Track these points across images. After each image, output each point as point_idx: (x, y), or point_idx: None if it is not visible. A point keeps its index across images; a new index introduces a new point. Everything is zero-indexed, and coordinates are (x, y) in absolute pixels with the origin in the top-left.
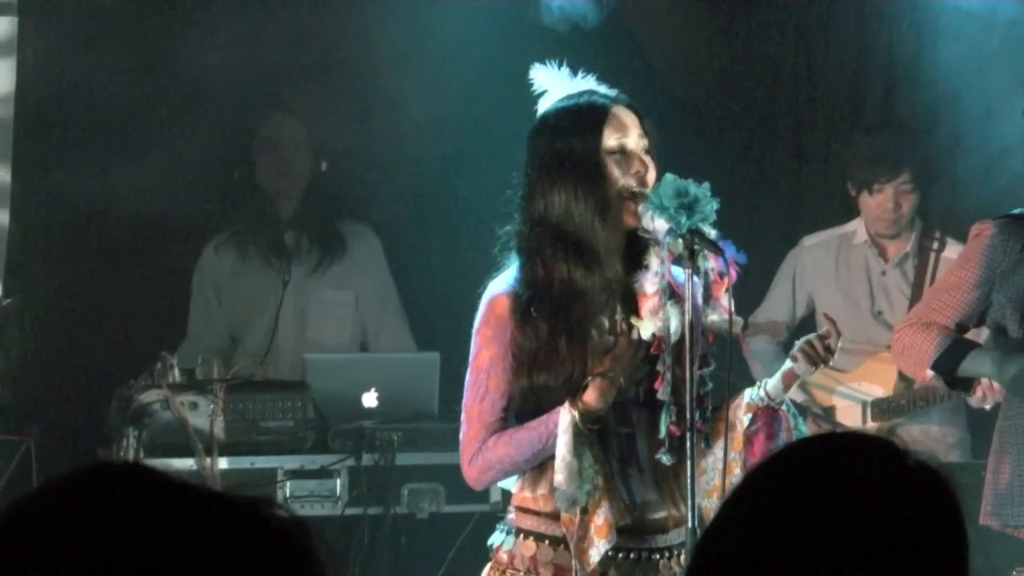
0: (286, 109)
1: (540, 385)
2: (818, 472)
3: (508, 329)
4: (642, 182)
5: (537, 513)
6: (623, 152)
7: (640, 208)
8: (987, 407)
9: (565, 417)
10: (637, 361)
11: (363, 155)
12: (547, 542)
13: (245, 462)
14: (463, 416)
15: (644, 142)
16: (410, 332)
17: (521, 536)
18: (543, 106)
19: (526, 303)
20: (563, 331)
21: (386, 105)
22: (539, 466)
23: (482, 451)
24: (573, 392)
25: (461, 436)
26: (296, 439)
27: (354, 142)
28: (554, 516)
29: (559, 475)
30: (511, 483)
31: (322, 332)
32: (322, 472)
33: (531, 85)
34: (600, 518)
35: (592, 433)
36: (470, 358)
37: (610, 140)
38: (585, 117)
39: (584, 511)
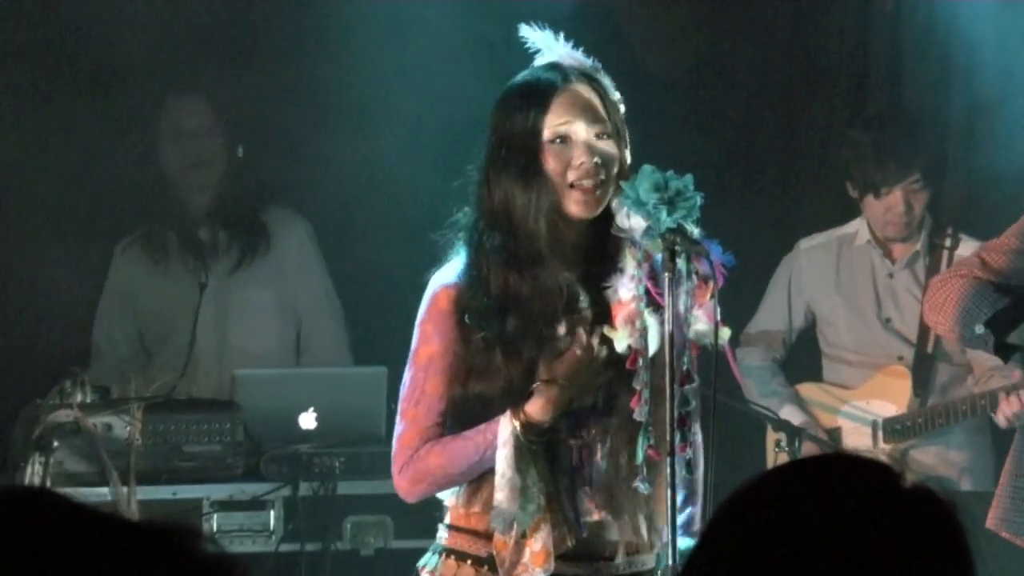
0: (195, 89)
1: (476, 394)
2: (807, 498)
3: (451, 325)
4: (588, 175)
5: (470, 532)
6: (564, 142)
7: (614, 203)
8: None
9: (505, 428)
10: (594, 367)
11: (287, 138)
12: (470, 562)
13: (166, 492)
14: (397, 418)
15: (596, 128)
16: (347, 337)
17: (448, 557)
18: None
19: (470, 299)
20: (497, 342)
21: (317, 85)
22: (477, 480)
23: (414, 460)
24: (517, 401)
25: (393, 441)
26: (224, 465)
27: (276, 124)
28: (488, 537)
29: (499, 492)
30: (448, 495)
31: (247, 339)
32: (254, 503)
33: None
34: (538, 543)
35: (537, 446)
36: (410, 354)
37: (551, 127)
38: (528, 98)
39: (522, 534)
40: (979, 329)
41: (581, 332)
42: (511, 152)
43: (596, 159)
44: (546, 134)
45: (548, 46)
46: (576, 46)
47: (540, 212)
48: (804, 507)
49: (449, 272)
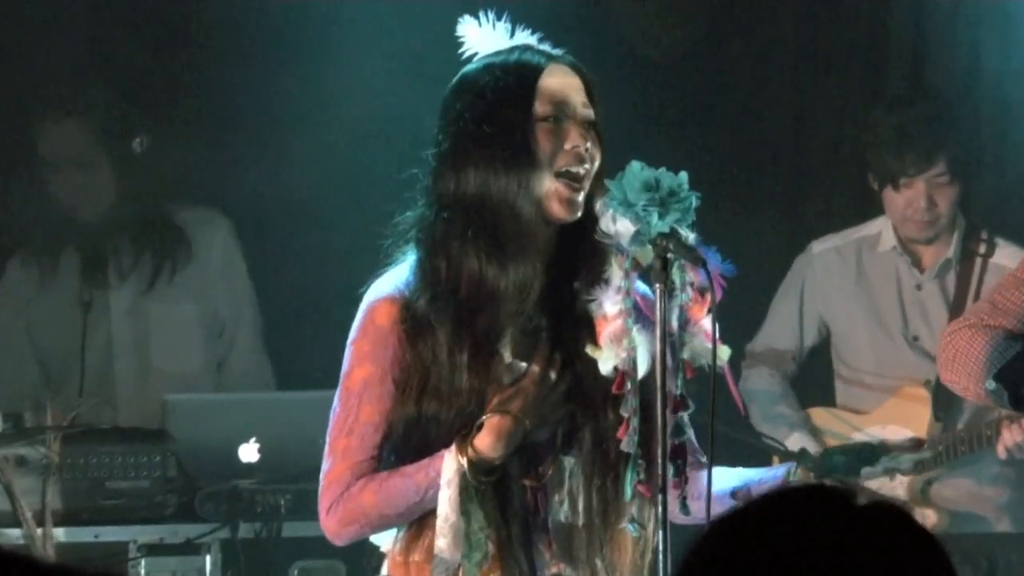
0: (68, 115)
1: (429, 416)
2: (762, 536)
3: (390, 344)
4: (579, 160)
5: None
6: (557, 121)
7: (598, 205)
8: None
9: (450, 465)
10: (553, 396)
11: (202, 135)
12: None
13: (88, 534)
14: (325, 450)
15: (588, 112)
16: (267, 358)
17: None
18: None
19: (423, 309)
20: (467, 345)
21: (236, 78)
22: (418, 522)
23: (345, 498)
24: (466, 432)
25: (321, 475)
26: (153, 504)
27: (189, 118)
28: None
29: (441, 539)
30: (384, 540)
31: (170, 360)
32: (188, 546)
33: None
34: None
35: (486, 486)
36: (341, 377)
37: (543, 105)
38: (514, 74)
39: None
40: (990, 384)
41: (539, 356)
42: (492, 132)
43: (589, 144)
44: (539, 111)
45: (491, 46)
46: (556, 26)
47: (526, 198)
48: (771, 544)
49: (387, 283)
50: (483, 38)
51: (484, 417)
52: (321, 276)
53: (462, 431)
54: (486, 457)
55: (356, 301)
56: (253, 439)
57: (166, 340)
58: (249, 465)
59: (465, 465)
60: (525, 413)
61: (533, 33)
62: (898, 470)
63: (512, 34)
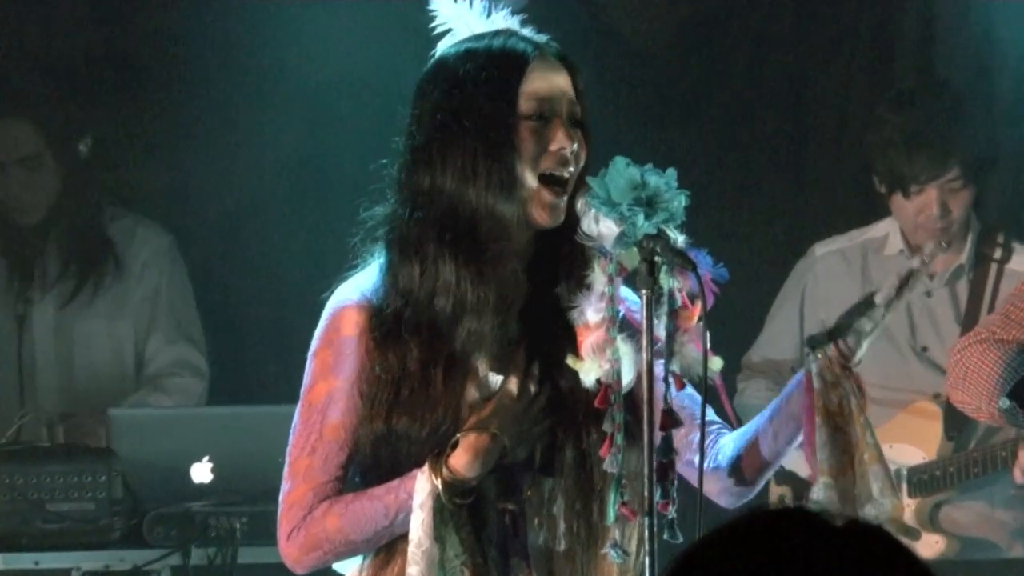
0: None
1: (400, 433)
2: (738, 559)
3: (357, 355)
4: (564, 163)
5: None
6: (542, 119)
7: (579, 205)
8: None
9: (423, 486)
10: (532, 409)
11: (157, 143)
12: None
13: (27, 560)
14: (285, 470)
15: (575, 109)
16: (203, 383)
17: None
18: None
19: (392, 317)
20: (441, 360)
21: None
22: (387, 548)
23: (307, 522)
24: (439, 450)
25: (280, 498)
26: (98, 528)
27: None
28: None
29: (413, 566)
30: (349, 567)
31: (89, 379)
32: (135, 574)
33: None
34: None
35: (461, 509)
36: (302, 390)
37: (528, 101)
38: (496, 65)
39: None
40: (1004, 403)
41: (516, 368)
42: (471, 127)
43: (575, 145)
44: (523, 108)
45: (471, 25)
46: (536, 10)
47: (507, 201)
48: (747, 568)
49: (353, 288)
50: (458, 14)
51: (459, 435)
52: (274, 283)
53: (435, 450)
54: (462, 477)
55: (311, 307)
56: (206, 458)
57: (88, 358)
58: (202, 486)
59: (439, 486)
60: (502, 430)
61: (514, 14)
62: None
63: (488, 14)
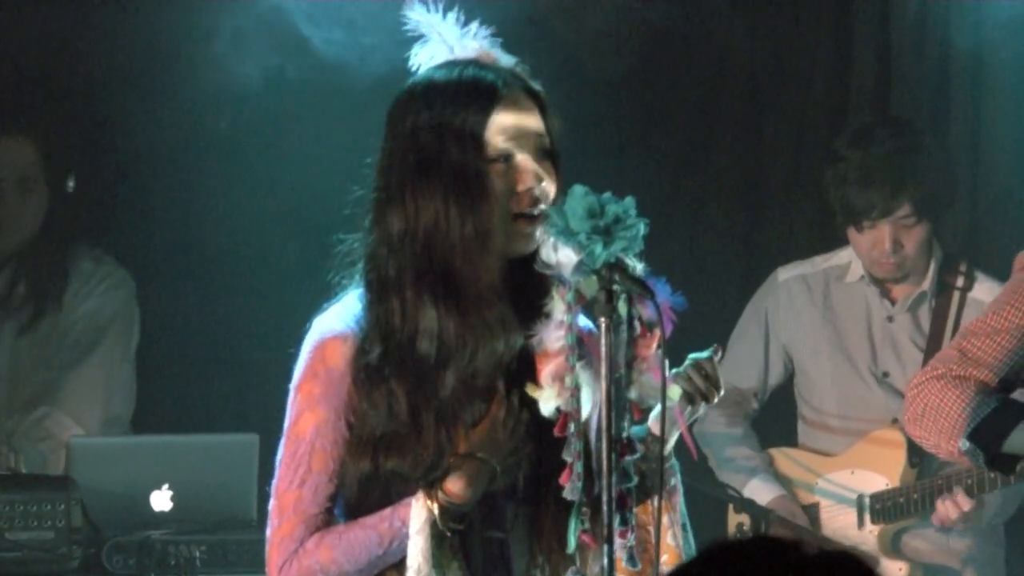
0: (17, 131)
1: (388, 471)
2: None
3: (344, 386)
4: (534, 203)
5: None
6: (509, 160)
7: (538, 233)
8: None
9: (420, 513)
10: (515, 437)
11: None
12: None
13: None
14: (272, 504)
15: (544, 141)
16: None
17: None
18: (420, 60)
19: (377, 362)
20: (432, 407)
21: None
22: None
23: (299, 555)
24: (431, 479)
25: (269, 532)
26: (57, 556)
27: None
28: None
29: None
30: None
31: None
32: None
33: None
34: None
35: (454, 535)
36: (286, 423)
37: (496, 138)
38: (464, 104)
39: None
40: (964, 444)
41: (500, 392)
42: (440, 167)
43: (543, 183)
44: (488, 150)
45: (440, 34)
46: (495, 43)
47: (477, 243)
48: None
49: (335, 319)
50: (430, 23)
51: (450, 460)
52: (233, 314)
53: (426, 483)
54: (458, 501)
55: (264, 339)
56: (166, 485)
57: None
58: (162, 514)
59: (436, 512)
60: (490, 453)
61: (483, 25)
62: None
63: (462, 24)
